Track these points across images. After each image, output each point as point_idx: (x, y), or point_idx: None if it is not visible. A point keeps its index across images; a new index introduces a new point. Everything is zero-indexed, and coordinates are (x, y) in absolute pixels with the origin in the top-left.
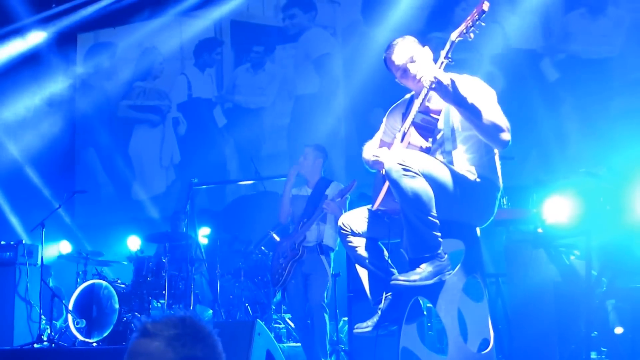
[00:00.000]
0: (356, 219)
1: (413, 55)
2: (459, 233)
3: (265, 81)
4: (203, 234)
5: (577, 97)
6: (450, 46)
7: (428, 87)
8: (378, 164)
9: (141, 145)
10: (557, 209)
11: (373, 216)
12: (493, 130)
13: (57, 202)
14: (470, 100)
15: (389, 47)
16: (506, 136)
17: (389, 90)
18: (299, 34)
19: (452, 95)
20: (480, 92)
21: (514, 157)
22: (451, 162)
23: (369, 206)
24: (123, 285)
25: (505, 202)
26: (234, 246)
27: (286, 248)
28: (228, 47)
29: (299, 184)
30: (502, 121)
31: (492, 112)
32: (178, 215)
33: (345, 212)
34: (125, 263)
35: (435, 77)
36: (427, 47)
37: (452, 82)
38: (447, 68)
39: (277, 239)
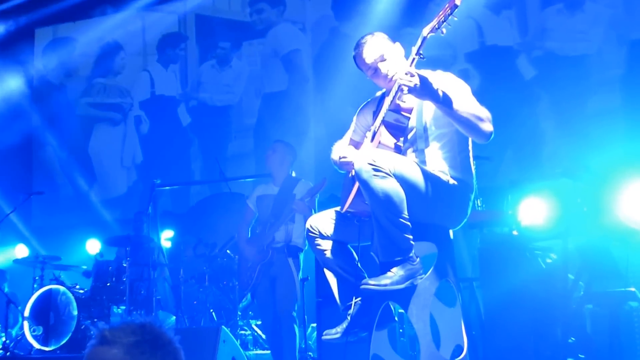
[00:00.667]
0: (325, 221)
1: (383, 54)
2: (432, 235)
3: (231, 78)
4: (166, 237)
5: (553, 95)
6: (422, 42)
7: (397, 89)
8: (347, 165)
9: (102, 145)
10: (532, 211)
11: (342, 218)
12: (473, 122)
13: (12, 204)
14: (445, 94)
15: (358, 45)
16: (487, 126)
17: (360, 88)
18: (266, 30)
19: (426, 92)
20: (454, 86)
21: (489, 157)
22: (424, 161)
23: (338, 208)
24: (82, 291)
25: (479, 204)
26: (198, 250)
27: (254, 250)
28: (193, 43)
29: (265, 181)
30: (482, 111)
31: (470, 103)
32: (140, 217)
33: (314, 212)
34: (84, 267)
35: (409, 78)
36: (398, 44)
37: (425, 79)
38: (419, 65)
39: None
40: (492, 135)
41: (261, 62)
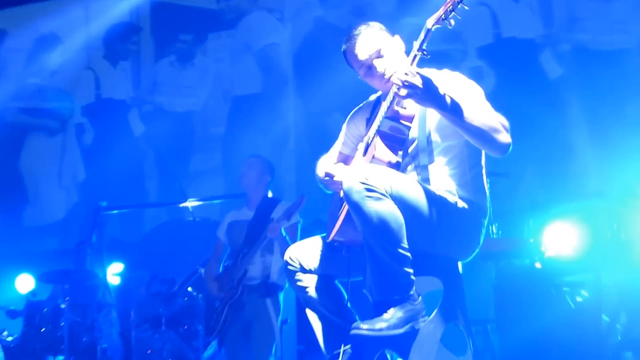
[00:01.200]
0: (307, 252)
1: (380, 48)
2: (437, 269)
3: (194, 78)
4: (113, 272)
5: (585, 99)
6: (426, 35)
7: (396, 91)
8: (335, 183)
9: (35, 159)
10: (559, 238)
11: (328, 249)
12: (487, 132)
13: None
14: (452, 100)
15: (350, 38)
16: (504, 137)
17: (351, 90)
18: (237, 19)
19: (429, 98)
20: (464, 89)
21: (506, 174)
22: (427, 180)
23: (323, 235)
24: (10, 338)
25: (494, 230)
26: (153, 287)
27: (222, 287)
28: (147, 35)
29: (238, 205)
30: (497, 119)
31: (483, 110)
32: (82, 248)
33: (293, 242)
34: (13, 309)
35: (406, 79)
36: (397, 37)
37: (428, 81)
38: (422, 62)
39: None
40: (510, 148)
41: (230, 59)
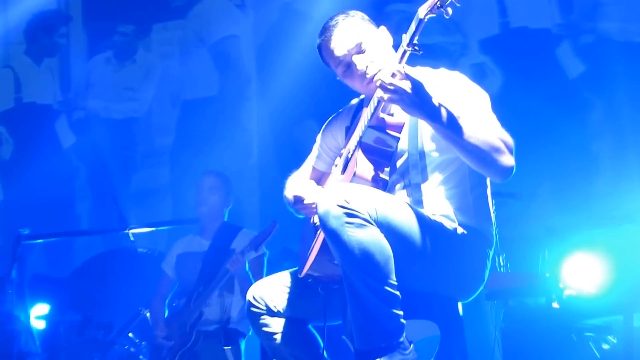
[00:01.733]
0: (274, 290)
1: (362, 42)
2: (432, 311)
3: (136, 78)
4: (38, 314)
5: (611, 102)
6: (417, 27)
7: (380, 95)
8: (308, 207)
9: None
10: (581, 273)
11: (300, 286)
12: (487, 153)
13: None
14: (448, 110)
15: (326, 30)
16: (507, 159)
17: (327, 93)
18: (188, 7)
19: (419, 105)
20: (464, 95)
21: (516, 194)
22: (419, 202)
23: (294, 270)
24: None
25: (502, 263)
26: (87, 333)
27: (172, 333)
28: (79, 26)
29: (187, 233)
30: (499, 137)
31: (485, 124)
32: None
33: (258, 278)
34: None
35: (391, 81)
36: (383, 29)
37: (419, 85)
38: (414, 60)
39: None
40: (513, 172)
41: (180, 55)
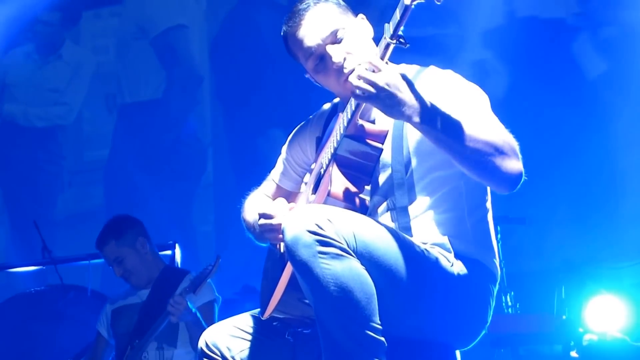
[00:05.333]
0: (231, 337)
1: (337, 29)
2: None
3: (62, 77)
4: None
5: (638, 107)
6: (403, 15)
7: (351, 94)
8: (273, 231)
9: None
10: (604, 315)
11: (264, 331)
12: (489, 158)
13: None
14: (439, 109)
15: (293, 16)
16: (514, 164)
17: (296, 95)
18: None
19: (401, 106)
20: (458, 96)
21: (525, 219)
22: (407, 228)
23: (256, 312)
24: None
25: (509, 302)
26: None
27: None
28: None
29: (123, 297)
30: (503, 139)
31: (486, 126)
32: None
33: (208, 324)
34: None
35: (365, 75)
36: (362, 17)
37: (403, 78)
38: (400, 55)
39: None
40: (522, 179)
41: (116, 49)
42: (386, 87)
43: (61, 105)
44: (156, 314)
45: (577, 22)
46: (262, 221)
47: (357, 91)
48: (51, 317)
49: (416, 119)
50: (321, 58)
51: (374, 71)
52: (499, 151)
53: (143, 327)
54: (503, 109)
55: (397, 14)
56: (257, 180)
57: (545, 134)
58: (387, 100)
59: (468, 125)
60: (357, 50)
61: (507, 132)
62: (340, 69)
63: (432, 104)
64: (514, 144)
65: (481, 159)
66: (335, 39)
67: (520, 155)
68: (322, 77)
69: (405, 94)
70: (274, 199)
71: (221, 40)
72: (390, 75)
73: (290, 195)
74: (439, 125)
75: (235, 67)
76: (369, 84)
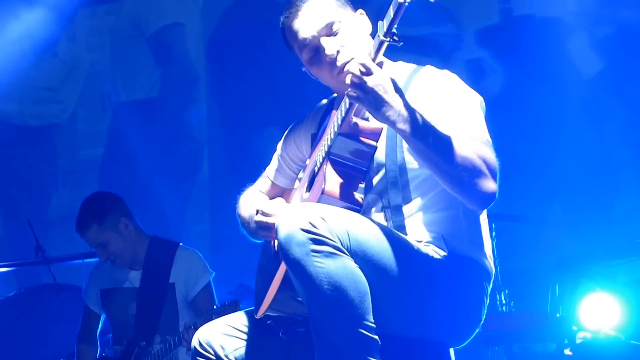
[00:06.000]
0: (225, 335)
1: (333, 22)
2: (418, 358)
3: (57, 76)
4: None
5: (634, 107)
6: (396, 12)
7: (346, 93)
8: (267, 229)
9: None
10: (598, 313)
11: (257, 329)
12: (464, 174)
13: None
14: (422, 115)
15: (292, 6)
16: (488, 184)
17: (292, 94)
18: None
19: (386, 110)
20: (450, 101)
21: (520, 217)
22: (402, 227)
23: (250, 310)
24: None
25: (504, 300)
26: None
27: None
28: None
29: (110, 276)
30: (482, 157)
31: (469, 142)
32: None
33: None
34: None
35: (358, 75)
36: (362, 13)
37: (388, 81)
38: (394, 53)
39: None
40: (495, 199)
41: (111, 47)
42: (374, 88)
43: (56, 104)
44: (156, 309)
45: (573, 20)
46: (259, 217)
47: (350, 90)
48: (45, 316)
49: (400, 125)
50: (316, 50)
51: (365, 73)
52: (477, 170)
53: (146, 326)
54: (499, 108)
55: (391, 12)
56: (252, 178)
57: (540, 133)
58: (373, 102)
59: (451, 140)
60: (352, 44)
61: (488, 149)
62: (333, 61)
63: (418, 113)
64: (494, 163)
65: (458, 175)
66: (330, 32)
67: (497, 176)
68: (316, 69)
69: (392, 99)
70: (268, 196)
71: (217, 39)
72: (379, 78)
73: (284, 192)
74: (421, 135)
75: (231, 66)
76: (358, 85)
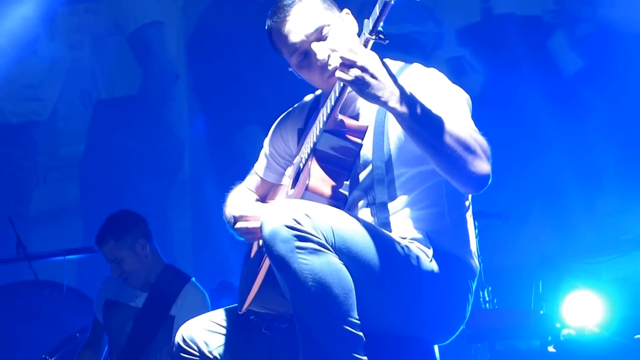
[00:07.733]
0: (208, 331)
1: (322, 26)
2: (402, 355)
3: (37, 73)
4: None
5: (615, 103)
6: (382, 11)
7: (339, 90)
8: (249, 234)
9: None
10: (582, 310)
11: (241, 325)
12: (459, 155)
13: None
14: (419, 100)
15: (278, 11)
16: (483, 165)
17: (274, 91)
18: None
19: (378, 88)
20: (439, 93)
21: (502, 214)
22: (387, 224)
23: (234, 306)
24: None
25: (487, 297)
26: None
27: None
28: None
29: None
30: (475, 139)
31: (461, 125)
32: None
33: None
34: None
35: (346, 55)
36: (347, 13)
37: (380, 62)
38: (375, 50)
39: None
40: (489, 181)
41: (92, 45)
42: (365, 66)
43: (36, 101)
44: (150, 329)
45: (553, 19)
46: (239, 224)
47: (340, 72)
48: (26, 313)
49: (392, 104)
50: (305, 54)
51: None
52: (471, 150)
53: (135, 346)
54: (480, 106)
55: (377, 10)
56: (233, 176)
57: (522, 130)
58: (364, 82)
59: (443, 120)
60: (342, 47)
61: (479, 133)
62: (324, 65)
63: (410, 93)
64: (486, 146)
65: (452, 154)
66: (320, 36)
67: (490, 158)
68: (305, 73)
69: (383, 78)
70: (258, 192)
71: (198, 37)
72: (369, 59)
73: (274, 188)
74: (414, 114)
75: (212, 64)
76: (348, 65)
